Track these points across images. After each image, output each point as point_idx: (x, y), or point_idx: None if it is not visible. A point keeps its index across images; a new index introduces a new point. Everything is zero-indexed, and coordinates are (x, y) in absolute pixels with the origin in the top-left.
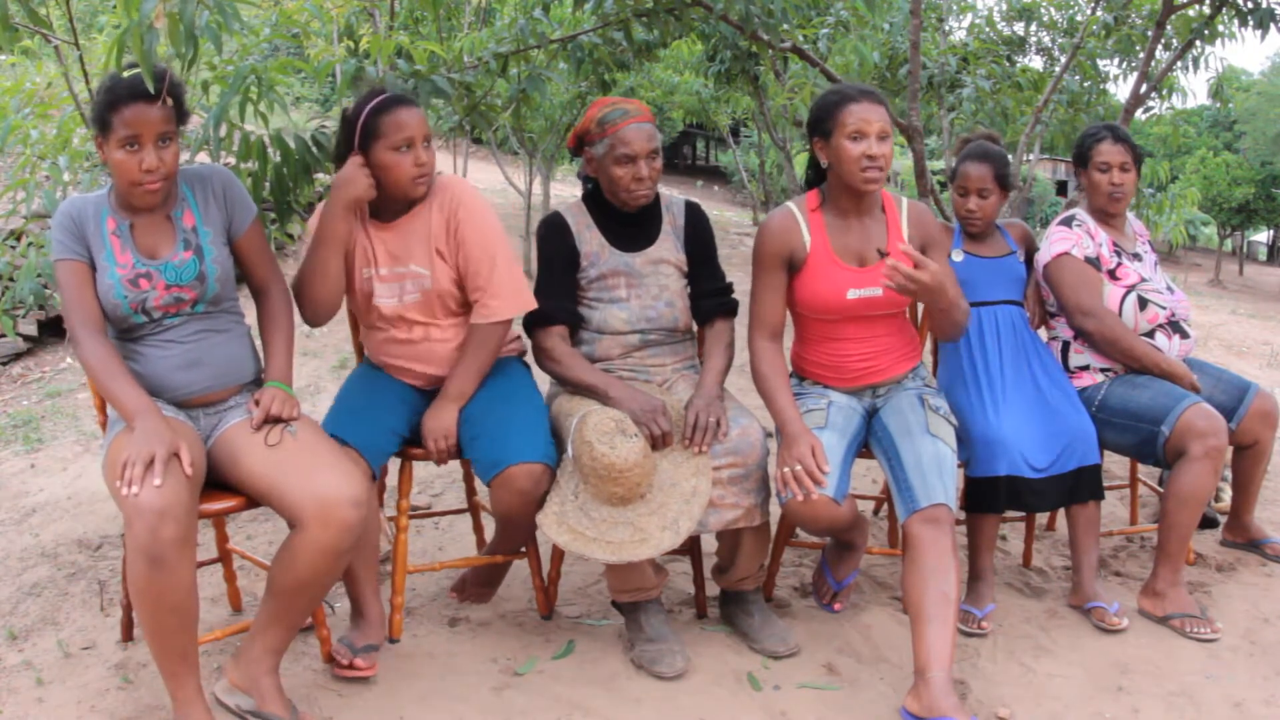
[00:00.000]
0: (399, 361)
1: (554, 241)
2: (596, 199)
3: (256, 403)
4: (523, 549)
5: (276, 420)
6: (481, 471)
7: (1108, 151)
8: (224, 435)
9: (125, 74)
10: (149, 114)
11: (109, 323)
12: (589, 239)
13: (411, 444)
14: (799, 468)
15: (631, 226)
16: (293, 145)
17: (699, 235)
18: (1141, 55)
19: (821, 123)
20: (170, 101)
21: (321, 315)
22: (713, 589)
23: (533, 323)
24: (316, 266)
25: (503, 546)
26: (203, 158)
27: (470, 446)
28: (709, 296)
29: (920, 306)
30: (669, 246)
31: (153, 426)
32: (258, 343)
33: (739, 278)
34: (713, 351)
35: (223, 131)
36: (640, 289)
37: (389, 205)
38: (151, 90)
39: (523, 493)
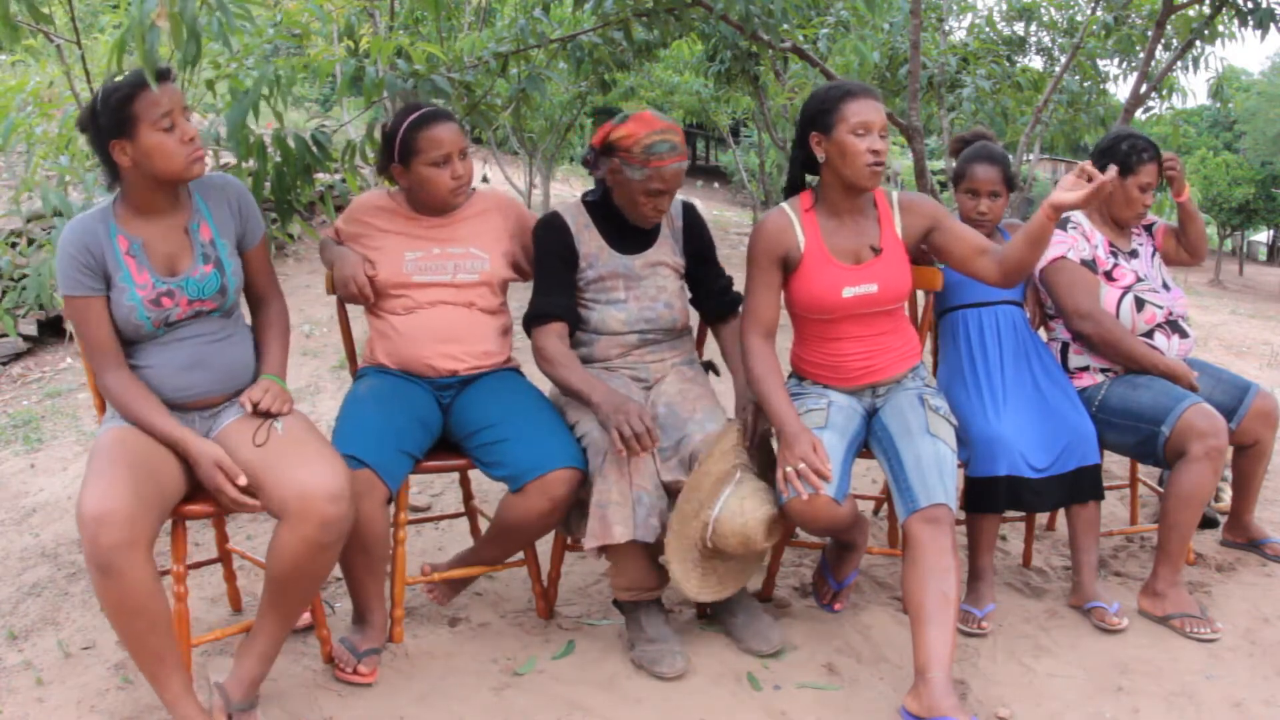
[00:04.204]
0: (428, 346)
1: (552, 241)
2: (601, 202)
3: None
4: (520, 555)
5: (267, 414)
6: (512, 477)
7: (1153, 173)
8: (218, 436)
9: (117, 79)
10: (168, 91)
11: (124, 337)
12: (588, 240)
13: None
14: (802, 466)
15: (631, 229)
16: (293, 145)
17: (698, 235)
18: (1141, 55)
19: (823, 116)
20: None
21: None
22: None
23: (531, 320)
24: None
25: (498, 555)
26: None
27: (490, 452)
28: (717, 295)
29: (920, 306)
30: (667, 249)
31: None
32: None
33: (739, 278)
34: (737, 352)
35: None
36: (638, 290)
37: (433, 208)
38: (154, 87)
39: (556, 499)
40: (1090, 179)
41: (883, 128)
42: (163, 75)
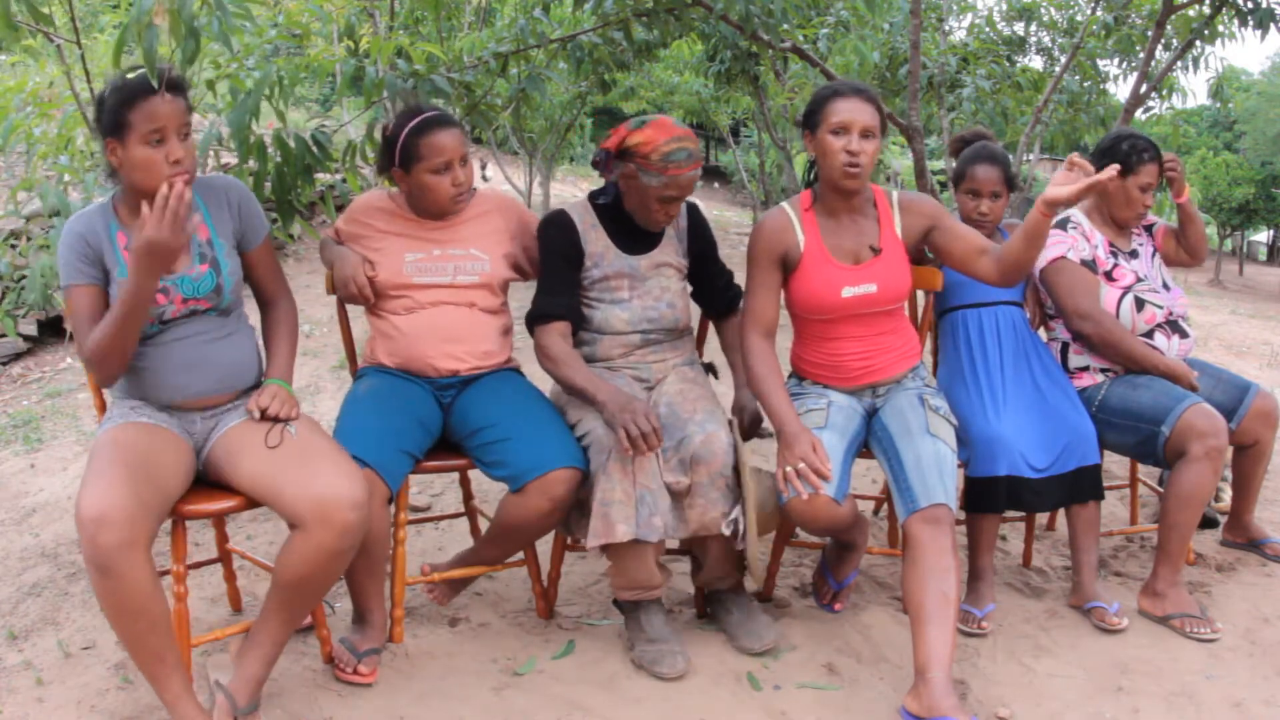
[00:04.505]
0: (431, 345)
1: (558, 239)
2: (611, 205)
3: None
4: (520, 555)
5: (276, 420)
6: (512, 477)
7: (1153, 173)
8: (223, 437)
9: (129, 75)
10: (169, 106)
11: None
12: (595, 239)
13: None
14: (801, 465)
15: (637, 230)
16: (293, 145)
17: (703, 235)
18: (1141, 55)
19: (811, 116)
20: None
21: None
22: None
23: (534, 319)
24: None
25: (498, 555)
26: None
27: (490, 452)
28: (720, 291)
29: (920, 305)
30: (671, 250)
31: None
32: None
33: (739, 278)
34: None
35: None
36: (642, 290)
37: (433, 213)
38: (156, 86)
39: (556, 499)
40: (1078, 169)
41: (865, 128)
42: (174, 86)
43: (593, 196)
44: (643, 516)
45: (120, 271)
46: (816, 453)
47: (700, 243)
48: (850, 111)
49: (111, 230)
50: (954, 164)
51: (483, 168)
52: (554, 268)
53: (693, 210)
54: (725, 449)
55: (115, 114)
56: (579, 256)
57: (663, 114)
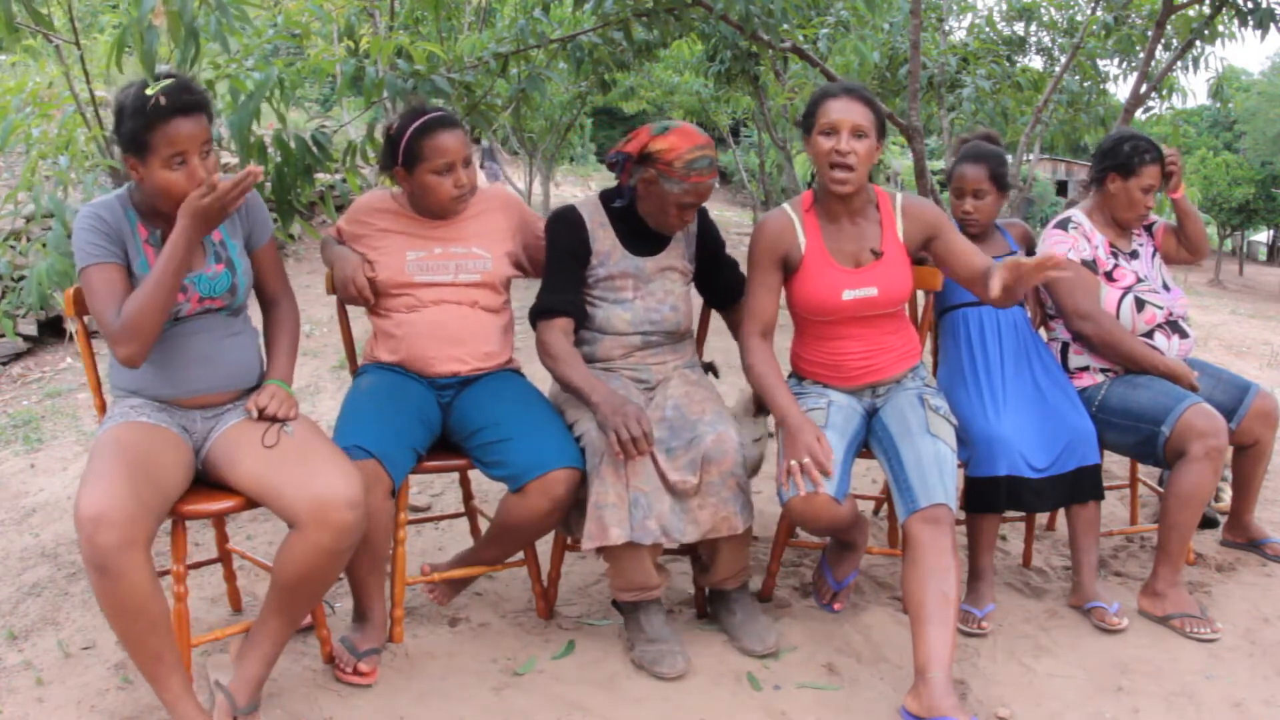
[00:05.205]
0: (432, 346)
1: (566, 235)
2: (626, 208)
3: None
4: (520, 555)
5: (274, 419)
6: (512, 477)
7: (1155, 174)
8: (222, 436)
9: (150, 90)
10: (191, 127)
11: None
12: (602, 238)
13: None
14: (806, 460)
15: (646, 231)
16: (293, 146)
17: (712, 236)
18: (1141, 55)
19: (807, 118)
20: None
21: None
22: None
23: (537, 314)
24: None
25: (498, 555)
26: None
27: (490, 452)
28: (731, 286)
29: (920, 305)
30: (678, 253)
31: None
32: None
33: None
34: None
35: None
36: (646, 292)
37: (434, 213)
38: (152, 82)
39: (556, 499)
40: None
41: (855, 127)
42: (194, 107)
43: (606, 197)
44: (636, 519)
45: (141, 265)
46: (821, 444)
47: (711, 245)
48: (840, 111)
49: (131, 221)
50: None
51: (482, 162)
52: (560, 264)
53: (702, 214)
54: (736, 448)
55: (135, 135)
56: (586, 254)
57: (674, 119)
